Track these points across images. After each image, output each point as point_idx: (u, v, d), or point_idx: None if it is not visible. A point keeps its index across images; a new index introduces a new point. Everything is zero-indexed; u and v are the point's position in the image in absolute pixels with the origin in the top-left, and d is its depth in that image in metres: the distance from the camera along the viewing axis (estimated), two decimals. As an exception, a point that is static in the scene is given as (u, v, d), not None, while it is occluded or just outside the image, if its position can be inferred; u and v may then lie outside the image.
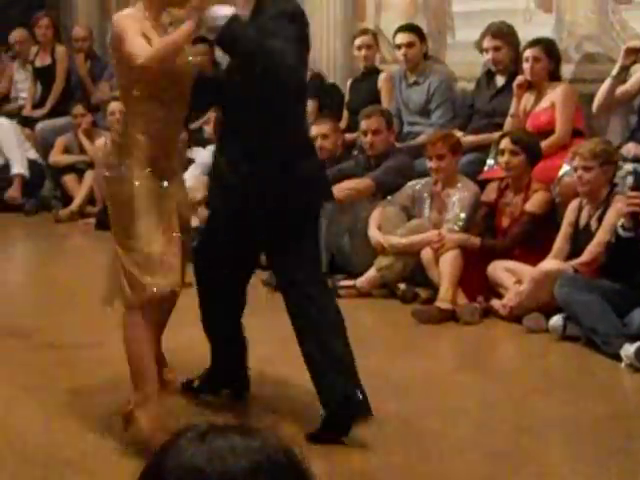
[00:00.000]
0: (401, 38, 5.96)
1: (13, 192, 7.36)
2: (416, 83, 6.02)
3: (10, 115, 8.00)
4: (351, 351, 3.36)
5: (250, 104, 3.21)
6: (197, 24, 3.20)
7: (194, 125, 6.95)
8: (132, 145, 3.19)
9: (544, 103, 5.25)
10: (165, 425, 2.99)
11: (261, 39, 3.06)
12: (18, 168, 7.39)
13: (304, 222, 3.39)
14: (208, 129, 6.85)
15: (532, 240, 4.75)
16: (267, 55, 3.05)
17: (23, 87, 8.30)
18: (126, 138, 3.23)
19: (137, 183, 3.15)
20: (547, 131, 5.15)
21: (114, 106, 6.91)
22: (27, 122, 7.91)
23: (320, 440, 3.16)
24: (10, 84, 8.49)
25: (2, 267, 6.13)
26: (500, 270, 4.68)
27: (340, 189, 5.27)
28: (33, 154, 7.63)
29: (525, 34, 5.45)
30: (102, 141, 7.03)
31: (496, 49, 5.50)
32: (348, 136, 6.07)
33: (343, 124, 6.29)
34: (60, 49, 7.99)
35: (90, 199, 7.15)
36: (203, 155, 6.37)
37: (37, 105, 8.06)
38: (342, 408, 3.21)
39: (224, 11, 3.16)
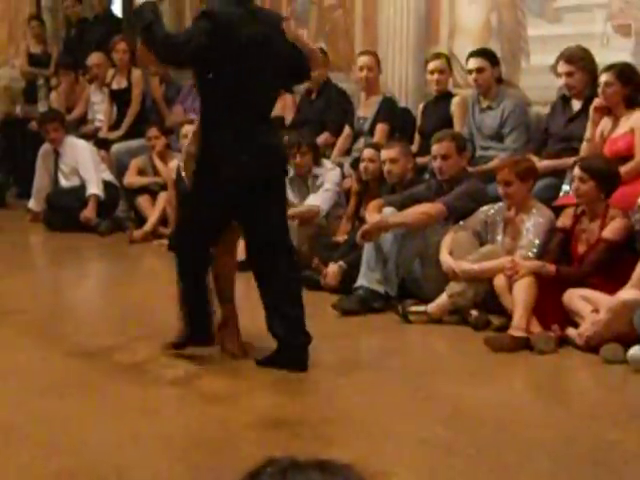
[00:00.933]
0: (472, 63, 5.92)
1: (88, 213, 7.48)
2: (489, 107, 5.96)
3: (86, 137, 8.15)
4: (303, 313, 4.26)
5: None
6: None
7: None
8: None
9: (622, 128, 5.14)
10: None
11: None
12: (93, 189, 7.51)
13: (269, 190, 4.11)
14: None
15: (609, 268, 4.64)
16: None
17: (99, 109, 8.46)
18: None
19: None
20: (626, 157, 5.04)
21: (187, 129, 6.99)
22: (103, 144, 8.04)
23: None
24: (87, 106, 8.66)
25: (77, 287, 6.22)
26: (576, 298, 4.57)
27: (411, 213, 5.25)
28: (108, 175, 7.75)
29: (603, 58, 5.36)
30: (175, 163, 7.10)
31: (569, 74, 5.41)
32: (419, 160, 6.04)
33: (415, 148, 6.26)
34: (136, 73, 8.11)
35: (163, 220, 7.21)
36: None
37: (113, 127, 8.20)
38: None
39: None
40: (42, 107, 9.15)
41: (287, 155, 4.36)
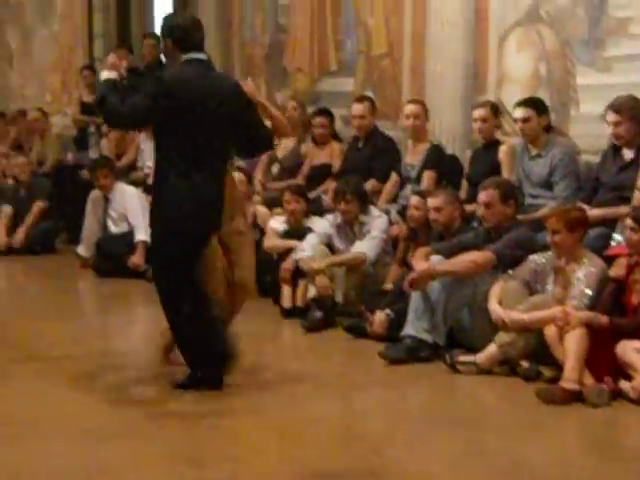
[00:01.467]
0: (518, 113, 5.90)
1: (136, 259, 7.53)
2: (538, 156, 5.93)
3: (136, 183, 8.24)
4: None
5: None
6: None
7: (312, 194, 7.00)
8: None
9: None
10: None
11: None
12: (142, 235, 7.56)
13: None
14: (326, 198, 6.89)
15: (664, 320, 4.55)
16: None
17: (149, 156, 8.54)
18: None
19: None
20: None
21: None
22: (152, 190, 8.08)
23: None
24: (137, 153, 8.77)
25: (125, 333, 6.23)
26: (630, 350, 4.47)
27: (460, 261, 5.20)
28: (157, 221, 7.79)
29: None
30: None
31: (617, 124, 5.35)
32: (467, 208, 6.00)
33: (462, 195, 6.23)
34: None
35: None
36: (321, 224, 6.38)
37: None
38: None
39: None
40: (93, 154, 9.29)
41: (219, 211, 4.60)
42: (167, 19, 4.75)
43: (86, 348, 5.57)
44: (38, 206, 8.61)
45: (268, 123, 4.90)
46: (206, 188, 4.49)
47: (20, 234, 8.46)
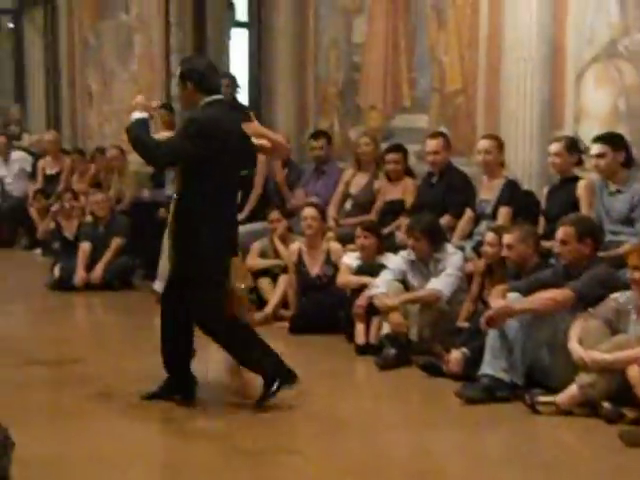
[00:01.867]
0: (594, 149, 5.81)
1: (211, 295, 7.56)
2: (618, 191, 5.80)
3: (210, 220, 8.28)
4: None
5: None
6: None
7: (386, 230, 6.97)
8: None
9: None
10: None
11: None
12: (216, 271, 7.58)
13: None
14: (400, 235, 6.84)
15: None
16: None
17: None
18: None
19: None
20: None
21: (308, 212, 7.06)
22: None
23: None
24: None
25: (198, 372, 6.22)
26: None
27: (538, 299, 5.10)
28: (231, 258, 7.82)
29: None
30: (297, 246, 7.14)
31: None
32: (544, 244, 5.90)
33: (540, 231, 6.13)
34: (259, 158, 8.22)
35: (284, 303, 7.22)
36: (395, 261, 6.33)
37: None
38: None
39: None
40: (169, 191, 9.40)
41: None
42: (187, 63, 4.96)
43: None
44: (116, 242, 8.73)
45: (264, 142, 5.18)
46: (235, 219, 5.08)
47: (98, 270, 8.58)
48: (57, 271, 8.71)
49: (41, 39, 12.67)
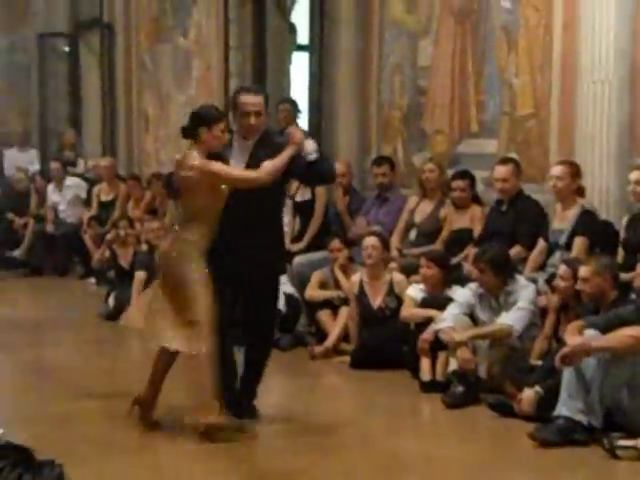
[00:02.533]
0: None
1: (270, 326, 7.36)
2: None
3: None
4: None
5: None
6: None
7: (453, 261, 6.72)
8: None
9: None
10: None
11: None
12: (275, 302, 7.39)
13: None
14: (467, 266, 6.58)
15: None
16: None
17: (283, 220, 8.43)
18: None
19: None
20: None
21: (369, 241, 6.84)
22: (286, 255, 7.97)
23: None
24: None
25: (258, 403, 6.05)
26: None
27: (618, 337, 4.82)
28: (289, 288, 7.62)
29: None
30: (358, 276, 6.92)
31: None
32: (624, 277, 5.60)
33: (619, 263, 5.83)
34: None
35: (345, 336, 6.99)
36: (463, 293, 6.07)
37: (295, 239, 8.14)
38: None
39: (312, 147, 5.06)
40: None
41: None
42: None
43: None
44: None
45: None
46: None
47: (153, 299, 8.44)
48: (112, 301, 8.61)
49: (97, 62, 12.71)
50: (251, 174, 4.90)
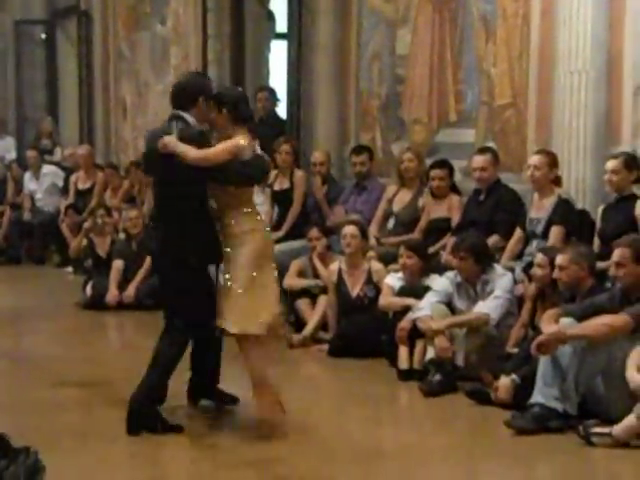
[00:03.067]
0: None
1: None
2: (681, 211, 5.53)
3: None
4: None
5: None
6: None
7: (431, 250, 6.73)
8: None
9: None
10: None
11: None
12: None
13: None
14: (445, 254, 6.60)
15: None
16: None
17: (261, 210, 8.38)
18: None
19: None
20: None
21: (348, 229, 6.84)
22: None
23: None
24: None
25: (231, 392, 6.05)
26: None
27: (593, 325, 4.87)
28: (268, 277, 7.62)
29: None
30: (337, 265, 6.93)
31: None
32: (600, 265, 5.62)
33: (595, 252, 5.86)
34: (299, 174, 8.08)
35: (323, 325, 7.00)
36: (440, 282, 6.09)
37: (274, 228, 8.13)
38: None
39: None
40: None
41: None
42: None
43: (194, 407, 5.42)
44: (150, 261, 8.55)
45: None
46: None
47: (131, 289, 8.41)
48: (89, 289, 8.58)
49: (74, 50, 12.62)
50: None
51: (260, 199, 8.48)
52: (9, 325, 7.98)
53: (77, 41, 12.49)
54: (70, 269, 10.34)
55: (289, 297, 7.39)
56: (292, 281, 7.30)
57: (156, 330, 7.55)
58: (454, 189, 7.15)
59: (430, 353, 5.81)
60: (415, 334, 5.96)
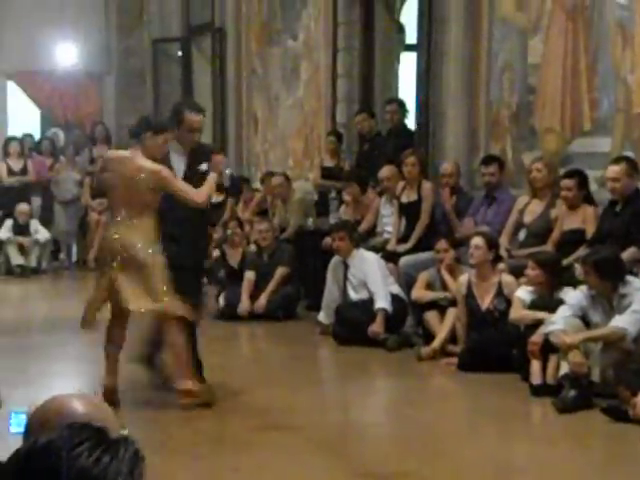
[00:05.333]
0: None
1: (376, 327, 7.32)
2: None
3: (375, 249, 8.11)
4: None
5: None
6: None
7: (564, 262, 6.54)
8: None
9: None
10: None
11: None
12: (381, 303, 7.37)
13: None
14: (579, 267, 6.40)
15: None
16: None
17: (389, 222, 8.42)
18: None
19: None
20: None
21: (473, 240, 6.74)
22: (391, 256, 7.95)
23: None
24: (376, 218, 8.66)
25: (363, 404, 6.04)
26: None
27: None
28: (396, 289, 7.60)
29: None
30: (466, 277, 6.83)
31: None
32: None
33: None
34: (426, 185, 8.02)
35: (452, 338, 6.90)
36: (574, 296, 5.91)
37: (401, 240, 8.10)
38: None
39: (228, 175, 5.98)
40: (333, 220, 9.29)
41: None
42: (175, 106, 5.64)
43: (324, 418, 5.49)
44: (280, 272, 8.66)
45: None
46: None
47: (262, 300, 8.52)
48: (222, 300, 8.73)
49: (209, 66, 12.92)
50: (193, 196, 5.37)
51: (388, 211, 8.48)
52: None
53: (211, 57, 12.79)
54: (204, 280, 10.55)
55: (417, 309, 7.35)
56: (420, 293, 7.24)
57: (286, 340, 7.72)
58: (589, 200, 6.94)
59: (564, 368, 5.64)
60: (547, 348, 5.81)
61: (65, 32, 12.99)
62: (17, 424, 1.94)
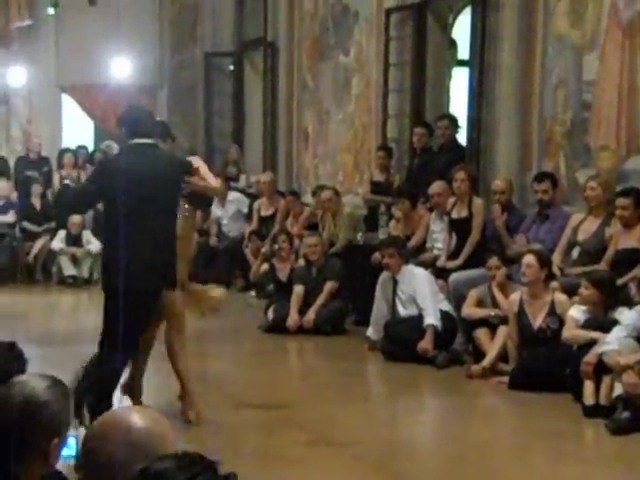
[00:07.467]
0: None
1: (425, 344, 7.25)
2: None
3: (425, 265, 8.05)
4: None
5: None
6: None
7: (619, 282, 6.44)
8: None
9: None
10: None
11: None
12: (431, 319, 7.31)
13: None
14: (634, 287, 6.29)
15: None
16: None
17: (439, 238, 8.36)
18: None
19: None
20: None
21: (525, 259, 6.67)
22: (441, 273, 7.89)
23: None
24: (426, 234, 8.61)
25: (411, 421, 6.00)
26: None
27: None
28: (446, 305, 7.53)
29: None
30: (518, 295, 6.75)
31: None
32: None
33: None
34: (477, 202, 7.94)
35: (503, 356, 6.82)
36: (629, 316, 5.81)
37: (452, 256, 8.04)
38: None
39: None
40: (382, 235, 9.25)
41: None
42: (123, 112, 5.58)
43: (372, 434, 5.45)
44: (329, 286, 8.64)
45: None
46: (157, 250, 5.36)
47: (311, 314, 8.51)
48: (271, 314, 8.73)
49: (260, 81, 12.98)
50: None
51: (438, 227, 8.42)
52: (195, 346, 8.20)
53: (263, 72, 12.84)
54: (253, 293, 10.59)
55: (467, 326, 7.27)
56: (470, 310, 7.17)
57: (334, 355, 7.69)
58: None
59: (618, 389, 5.57)
60: (601, 369, 5.72)
61: (120, 46, 13.13)
62: (67, 447, 1.91)
